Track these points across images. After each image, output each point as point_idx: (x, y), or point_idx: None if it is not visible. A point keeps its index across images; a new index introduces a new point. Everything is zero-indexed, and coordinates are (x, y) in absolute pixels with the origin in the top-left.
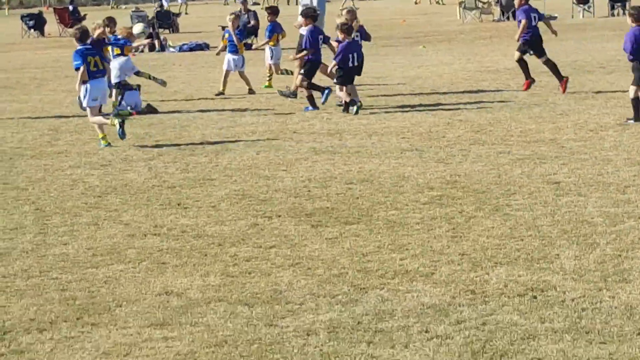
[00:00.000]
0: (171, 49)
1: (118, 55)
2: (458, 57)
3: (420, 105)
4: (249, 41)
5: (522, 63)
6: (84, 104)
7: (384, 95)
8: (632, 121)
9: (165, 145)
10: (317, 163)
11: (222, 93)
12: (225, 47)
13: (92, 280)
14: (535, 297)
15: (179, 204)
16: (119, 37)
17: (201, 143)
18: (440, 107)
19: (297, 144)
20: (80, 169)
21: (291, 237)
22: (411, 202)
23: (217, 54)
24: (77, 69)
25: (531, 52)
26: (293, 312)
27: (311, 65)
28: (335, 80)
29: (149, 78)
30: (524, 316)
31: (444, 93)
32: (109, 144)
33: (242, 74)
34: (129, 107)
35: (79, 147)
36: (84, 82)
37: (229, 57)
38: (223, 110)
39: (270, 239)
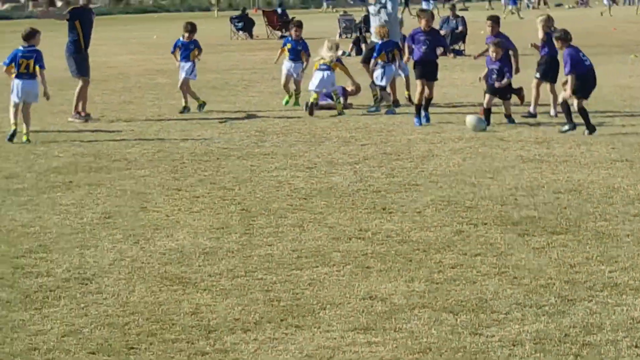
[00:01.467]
0: None
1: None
2: None
3: (632, 115)
4: (457, 47)
5: None
6: (12, 97)
7: (594, 104)
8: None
9: (371, 148)
10: (524, 171)
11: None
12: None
13: (296, 282)
14: None
15: (384, 209)
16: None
17: (407, 148)
18: None
19: (504, 151)
20: (286, 171)
21: (497, 246)
22: (621, 214)
23: (275, 62)
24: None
25: None
26: (499, 322)
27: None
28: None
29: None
30: None
31: None
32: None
33: (298, 82)
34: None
35: (285, 148)
36: (15, 76)
37: (288, 64)
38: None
39: (475, 247)
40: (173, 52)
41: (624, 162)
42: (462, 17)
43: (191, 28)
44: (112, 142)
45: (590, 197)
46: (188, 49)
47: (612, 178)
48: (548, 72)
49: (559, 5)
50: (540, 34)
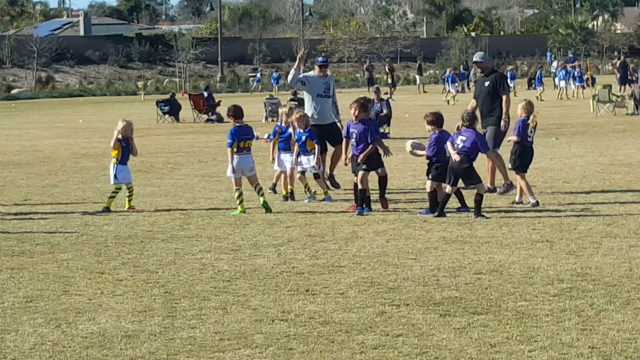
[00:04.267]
0: None
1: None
2: (591, 149)
3: (552, 196)
4: (382, 130)
5: None
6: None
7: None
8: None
9: (295, 231)
10: (446, 252)
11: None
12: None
13: None
14: None
15: (307, 290)
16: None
17: (331, 230)
18: (572, 199)
19: (427, 232)
20: (210, 254)
21: (419, 326)
22: (541, 294)
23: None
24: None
25: None
26: None
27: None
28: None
29: None
30: None
31: (576, 185)
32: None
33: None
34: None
35: (210, 231)
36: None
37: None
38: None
39: (397, 328)
40: None
41: (544, 243)
42: (387, 101)
43: None
44: (36, 226)
45: (511, 277)
46: None
47: (532, 258)
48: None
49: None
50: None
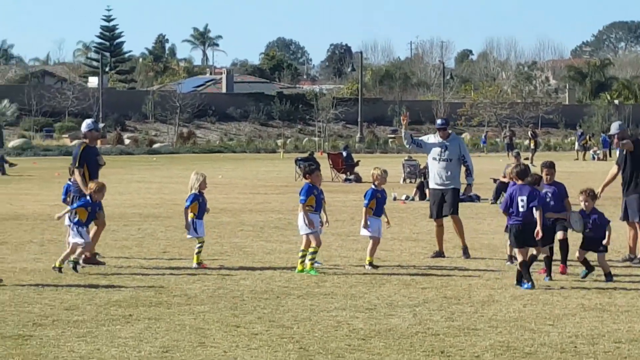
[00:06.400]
0: None
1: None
2: None
3: None
4: None
5: None
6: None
7: None
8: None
9: (431, 292)
10: (585, 319)
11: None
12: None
13: None
14: None
15: (442, 352)
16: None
17: (467, 292)
18: None
19: (565, 299)
20: (346, 311)
21: None
22: None
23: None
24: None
25: None
26: None
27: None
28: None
29: None
30: None
31: None
32: None
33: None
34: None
35: (345, 289)
36: None
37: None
38: (491, 259)
39: None
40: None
41: None
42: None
43: None
44: (174, 278)
45: None
46: None
47: None
48: None
49: None
50: None
